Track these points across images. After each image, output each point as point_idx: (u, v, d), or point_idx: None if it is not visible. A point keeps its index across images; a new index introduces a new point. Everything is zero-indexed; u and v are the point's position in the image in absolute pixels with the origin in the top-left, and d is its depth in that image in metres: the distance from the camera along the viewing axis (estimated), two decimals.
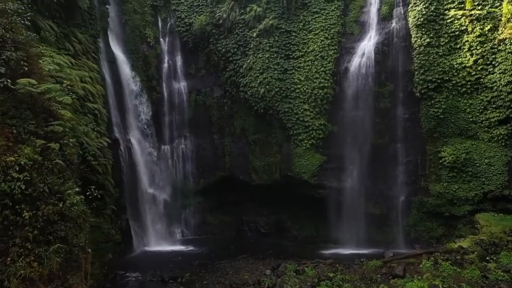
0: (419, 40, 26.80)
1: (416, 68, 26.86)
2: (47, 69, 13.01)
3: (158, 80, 32.68)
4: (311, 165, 29.06)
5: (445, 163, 25.99)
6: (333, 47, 29.34)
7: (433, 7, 26.59)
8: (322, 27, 29.71)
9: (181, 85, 33.70)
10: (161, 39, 33.72)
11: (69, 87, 13.61)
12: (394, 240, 27.65)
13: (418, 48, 26.79)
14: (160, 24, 33.82)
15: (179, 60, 34.03)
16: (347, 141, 28.54)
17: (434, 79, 26.31)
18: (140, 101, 30.39)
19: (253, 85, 30.37)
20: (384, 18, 28.80)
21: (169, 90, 33.31)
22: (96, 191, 12.36)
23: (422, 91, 26.71)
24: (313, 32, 29.93)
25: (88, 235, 20.33)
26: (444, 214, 26.23)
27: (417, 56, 26.82)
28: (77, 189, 11.18)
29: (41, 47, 15.41)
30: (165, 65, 33.55)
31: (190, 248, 28.63)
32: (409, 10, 27.57)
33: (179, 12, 33.57)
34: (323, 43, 29.39)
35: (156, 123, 31.80)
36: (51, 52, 15.45)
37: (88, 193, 12.21)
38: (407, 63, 27.62)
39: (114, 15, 30.23)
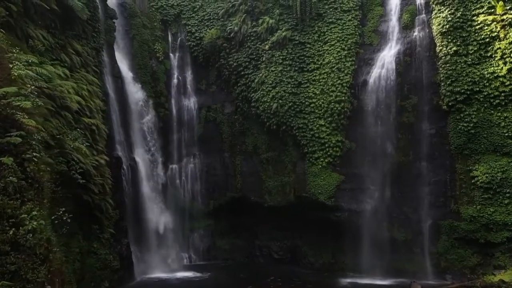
0: (445, 48, 24.71)
1: (442, 79, 24.71)
2: (16, 74, 11.50)
3: (166, 96, 31.39)
4: (328, 185, 26.89)
5: (478, 183, 23.37)
6: (351, 59, 27.52)
7: (460, 13, 24.52)
8: (338, 38, 27.99)
9: (191, 101, 32.32)
10: (170, 54, 32.63)
11: (37, 91, 11.93)
12: (421, 270, 24.92)
13: (444, 57, 24.69)
14: (170, 39, 32.88)
15: (189, 76, 32.79)
16: (367, 159, 26.56)
17: (462, 91, 24.02)
18: (147, 118, 28.98)
19: (265, 99, 28.66)
20: (406, 27, 26.90)
21: (178, 106, 31.97)
22: (66, 214, 10.49)
23: (450, 104, 24.44)
24: (329, 43, 28.22)
25: (79, 262, 18.64)
26: (479, 241, 23.41)
27: (443, 66, 24.68)
28: (36, 212, 9.35)
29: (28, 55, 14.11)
30: (175, 80, 32.33)
31: (198, 274, 26.52)
32: (433, 17, 25.62)
33: (189, 27, 32.57)
34: (339, 54, 27.62)
35: (163, 141, 30.34)
36: (31, 58, 14.01)
37: (53, 217, 10.38)
38: (432, 73, 25.56)
39: (121, 29, 29.29)
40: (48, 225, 9.87)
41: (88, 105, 20.52)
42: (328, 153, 27.11)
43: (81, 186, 18.28)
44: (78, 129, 17.56)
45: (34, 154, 10.14)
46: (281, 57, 28.81)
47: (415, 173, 25.65)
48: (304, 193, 27.68)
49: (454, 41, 24.47)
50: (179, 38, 32.96)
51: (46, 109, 15.15)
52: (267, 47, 29.32)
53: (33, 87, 11.96)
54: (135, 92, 28.43)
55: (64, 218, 10.65)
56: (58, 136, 15.19)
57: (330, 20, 28.58)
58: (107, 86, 25.57)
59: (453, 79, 24.33)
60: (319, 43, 28.56)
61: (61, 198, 17.02)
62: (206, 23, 32.34)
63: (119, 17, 28.60)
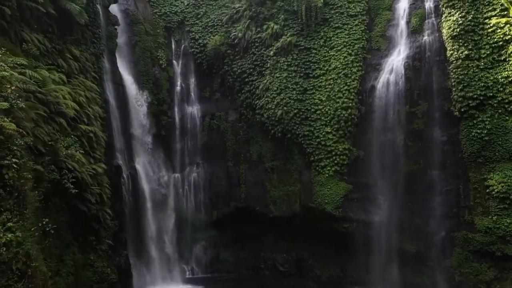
0: (455, 52, 23.81)
1: (453, 84, 23.79)
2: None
3: (169, 104, 30.76)
4: (335, 195, 25.94)
5: (493, 192, 22.25)
6: (358, 64, 26.74)
7: (471, 16, 23.65)
8: (345, 43, 27.26)
9: (194, 109, 31.66)
10: (174, 61, 32.09)
11: (26, 95, 11.24)
12: (434, 284, 23.93)
13: (455, 61, 23.80)
14: (173, 46, 32.37)
15: (192, 83, 32.18)
16: (376, 168, 25.70)
17: (475, 96, 23.04)
18: (149, 126, 28.30)
19: (269, 106, 27.89)
20: (415, 31, 26.08)
21: (181, 114, 31.29)
22: (50, 225, 9.68)
23: (462, 110, 23.47)
24: (335, 49, 27.49)
25: (73, 275, 17.77)
26: (495, 254, 22.21)
27: (454, 71, 23.77)
28: (13, 223, 8.54)
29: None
30: (178, 88, 31.72)
31: None
32: (442, 21, 24.82)
33: (193, 33, 32.07)
34: (346, 59, 26.85)
35: (166, 150, 29.70)
36: (20, 60, 13.37)
37: (34, 228, 9.56)
38: (442, 79, 24.69)
39: (123, 36, 28.83)
40: (28, 237, 9.07)
41: (85, 112, 19.87)
42: (335, 162, 26.22)
43: (77, 196, 17.54)
44: (73, 136, 16.82)
45: (14, 160, 9.38)
46: (286, 63, 28.11)
47: (426, 182, 24.67)
48: (310, 203, 26.80)
49: (465, 44, 23.60)
50: (183, 45, 32.45)
51: (38, 115, 14.47)
52: (271, 53, 28.66)
53: (13, 87, 11.22)
54: (137, 100, 27.84)
55: (47, 229, 9.75)
56: (50, 143, 14.45)
57: (336, 25, 27.90)
58: (108, 93, 25.02)
59: (465, 84, 23.39)
60: (325, 48, 27.84)
61: (54, 208, 16.39)
62: (210, 30, 31.82)
63: (121, 23, 28.21)
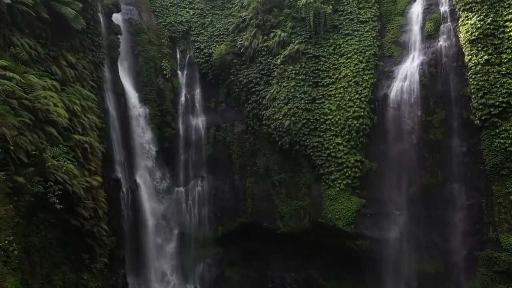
0: (474, 58, 22.47)
1: (473, 91, 22.41)
2: None
3: (173, 115, 29.73)
4: (346, 210, 24.54)
5: None
6: (369, 71, 25.55)
7: (490, 19, 22.35)
8: (355, 50, 26.16)
9: (199, 120, 30.58)
10: (178, 72, 31.19)
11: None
12: None
13: (474, 67, 22.42)
14: (178, 56, 31.53)
15: (197, 94, 31.20)
16: (390, 181, 24.39)
17: (497, 103, 21.62)
18: (151, 137, 27.23)
19: (276, 117, 26.69)
20: (429, 36, 24.89)
21: (186, 125, 30.24)
22: (14, 245, 8.42)
23: (483, 118, 22.01)
24: (345, 56, 26.36)
25: None
26: None
27: (473, 77, 22.37)
28: None
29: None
30: (182, 98, 30.73)
31: None
32: (459, 25, 23.58)
33: (198, 43, 31.25)
34: (357, 67, 25.66)
35: (169, 162, 28.54)
36: (3, 63, 12.38)
37: None
38: (460, 85, 23.37)
39: (126, 45, 28.05)
40: None
41: (80, 121, 18.89)
42: (346, 174, 24.91)
43: (68, 210, 16.41)
44: (61, 146, 15.67)
45: None
46: (293, 72, 26.99)
47: (445, 196, 23.17)
48: (320, 219, 25.48)
49: (485, 49, 22.29)
50: (188, 55, 31.59)
51: (22, 122, 13.42)
52: (279, 61, 27.59)
53: None
54: (138, 110, 26.86)
55: (11, 249, 8.50)
56: (34, 153, 13.33)
57: (346, 31, 26.85)
58: (108, 103, 24.13)
59: (485, 91, 21.95)
60: (335, 56, 26.71)
61: (40, 223, 15.18)
62: (216, 39, 30.98)
63: (124, 33, 27.50)
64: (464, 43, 23.08)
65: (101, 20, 24.20)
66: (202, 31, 31.44)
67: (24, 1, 16.25)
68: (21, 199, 12.29)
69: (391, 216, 24.29)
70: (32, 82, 14.98)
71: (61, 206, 14.08)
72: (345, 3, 27.30)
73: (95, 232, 18.83)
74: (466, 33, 22.90)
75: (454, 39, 23.83)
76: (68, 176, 16.07)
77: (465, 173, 22.77)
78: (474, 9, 22.89)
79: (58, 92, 17.71)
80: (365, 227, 24.55)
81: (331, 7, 26.93)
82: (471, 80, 22.49)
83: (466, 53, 22.89)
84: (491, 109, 21.68)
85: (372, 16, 26.69)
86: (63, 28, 19.39)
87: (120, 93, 25.89)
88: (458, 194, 22.85)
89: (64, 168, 14.87)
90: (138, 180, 25.40)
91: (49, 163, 14.06)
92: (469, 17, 23.03)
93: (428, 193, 23.48)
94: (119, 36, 26.63)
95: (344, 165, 24.99)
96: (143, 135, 26.93)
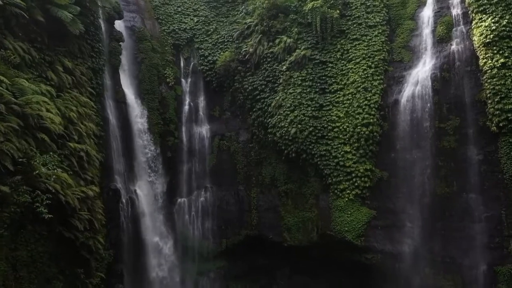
0: (490, 61, 21.49)
1: (489, 96, 21.37)
2: None
3: (176, 124, 28.90)
4: (356, 221, 23.64)
5: None
6: (378, 77, 24.70)
7: (505, 20, 21.45)
8: (364, 55, 25.36)
9: (203, 129, 29.74)
10: (182, 80, 30.48)
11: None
12: None
13: (489, 71, 21.44)
14: (182, 63, 30.86)
15: (201, 102, 30.41)
16: (402, 191, 23.55)
17: None
18: (153, 147, 26.41)
19: (282, 124, 25.80)
20: (441, 40, 24.00)
21: (189, 134, 29.40)
22: None
23: (500, 125, 20.96)
24: (353, 61, 25.55)
25: None
26: None
27: (489, 81, 21.38)
28: None
29: None
30: (186, 107, 29.95)
31: None
32: (473, 27, 22.65)
33: (202, 50, 30.59)
34: (365, 72, 24.81)
35: (171, 172, 27.64)
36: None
37: None
38: (475, 90, 22.39)
39: (128, 53, 27.46)
40: None
41: (77, 129, 18.15)
42: (356, 184, 23.97)
43: (61, 222, 15.54)
44: (53, 154, 14.83)
45: None
46: (300, 78, 26.16)
47: (461, 207, 22.09)
48: (329, 231, 24.55)
49: (501, 52, 21.36)
50: (192, 63, 30.90)
51: (9, 127, 12.63)
52: (284, 67, 26.81)
53: None
54: (141, 119, 26.10)
55: None
56: (20, 160, 12.51)
57: (354, 36, 26.10)
58: (108, 111, 23.47)
59: (502, 96, 20.93)
60: (342, 61, 25.90)
61: (29, 236, 14.29)
62: (220, 46, 30.32)
63: (127, 40, 26.97)
64: (478, 46, 22.08)
65: (102, 26, 23.67)
66: (207, 38, 30.81)
67: (18, 3, 15.64)
68: (5, 210, 11.39)
69: (404, 228, 23.33)
70: (23, 87, 14.27)
71: (50, 216, 13.18)
72: (352, 8, 26.55)
73: (91, 245, 17.92)
74: (481, 35, 21.92)
75: (467, 43, 22.90)
76: (61, 186, 15.21)
77: (482, 182, 21.68)
78: (488, 11, 21.95)
79: (54, 98, 17.00)
80: (376, 240, 23.55)
81: (338, 11, 26.20)
82: (486, 84, 21.43)
83: (481, 57, 21.89)
84: (509, 115, 20.58)
85: (380, 21, 25.94)
86: (60, 32, 18.79)
87: (121, 101, 25.22)
88: (475, 205, 21.72)
89: (55, 176, 13.98)
90: (139, 190, 24.54)
91: (38, 171, 13.20)
92: (483, 19, 22.07)
93: (443, 204, 22.39)
94: (121, 43, 26.06)
95: (353, 175, 24.05)
96: (145, 144, 26.12)
